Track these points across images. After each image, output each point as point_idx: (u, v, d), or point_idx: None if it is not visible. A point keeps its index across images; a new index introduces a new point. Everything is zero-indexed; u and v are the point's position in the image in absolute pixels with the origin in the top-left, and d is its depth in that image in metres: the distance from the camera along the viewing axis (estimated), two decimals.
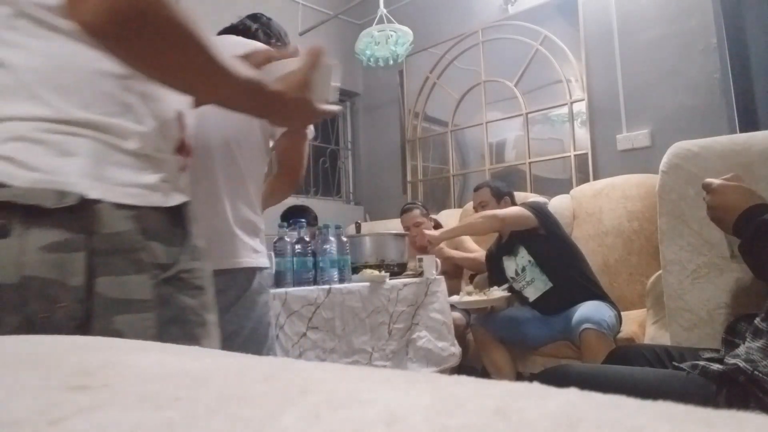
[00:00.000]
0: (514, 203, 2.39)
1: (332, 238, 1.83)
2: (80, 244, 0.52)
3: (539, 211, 2.16)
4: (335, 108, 0.76)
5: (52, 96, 0.54)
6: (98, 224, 0.53)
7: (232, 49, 0.68)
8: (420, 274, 2.07)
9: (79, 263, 0.52)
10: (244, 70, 0.62)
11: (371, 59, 3.11)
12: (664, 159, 1.39)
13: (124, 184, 0.56)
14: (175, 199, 0.62)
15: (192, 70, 0.57)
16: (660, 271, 1.47)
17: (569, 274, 2.12)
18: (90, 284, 0.53)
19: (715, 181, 1.04)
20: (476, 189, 2.49)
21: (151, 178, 0.59)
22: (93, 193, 0.53)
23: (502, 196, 2.39)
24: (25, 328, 0.51)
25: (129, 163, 0.57)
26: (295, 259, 1.77)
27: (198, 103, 0.74)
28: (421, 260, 2.10)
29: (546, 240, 2.13)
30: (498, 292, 2.21)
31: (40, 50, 0.55)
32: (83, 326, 0.52)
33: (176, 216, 0.62)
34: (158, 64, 0.55)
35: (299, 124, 0.75)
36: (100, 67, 0.56)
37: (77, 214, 0.52)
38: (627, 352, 1.21)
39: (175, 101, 0.66)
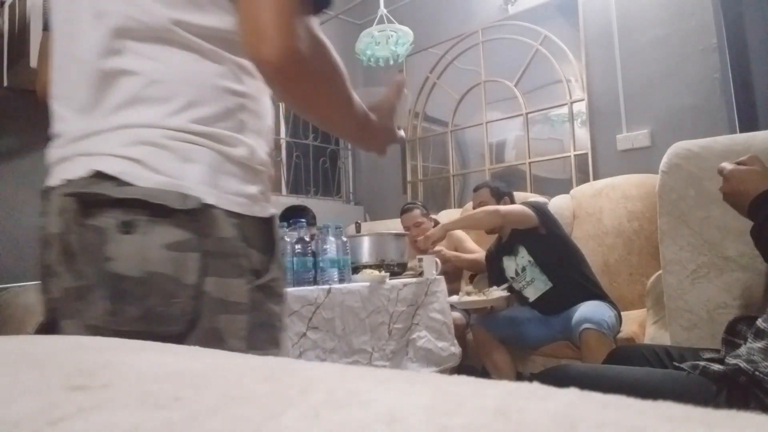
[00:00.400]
0: (513, 203, 2.39)
1: (332, 238, 1.83)
2: (195, 245, 0.57)
3: (540, 210, 2.15)
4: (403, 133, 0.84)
5: (180, 107, 0.58)
6: (211, 228, 0.58)
7: None
8: (420, 274, 2.07)
9: (194, 263, 0.57)
10: (360, 103, 0.70)
11: (371, 59, 3.11)
12: (664, 159, 1.39)
13: (233, 193, 0.61)
14: (269, 211, 0.66)
15: (339, 107, 0.65)
16: (660, 271, 1.47)
17: (569, 274, 2.11)
18: (200, 283, 0.57)
19: (728, 165, 1.02)
20: (476, 189, 2.48)
21: (253, 189, 0.63)
22: (209, 199, 0.58)
23: (502, 197, 2.38)
24: (143, 319, 0.56)
25: (238, 173, 0.62)
26: (295, 259, 1.77)
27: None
28: (421, 260, 2.10)
29: (546, 240, 2.13)
30: (497, 292, 2.20)
31: (173, 64, 0.59)
32: (193, 321, 0.57)
33: (269, 227, 0.66)
34: (319, 101, 0.63)
35: (382, 149, 0.80)
36: (224, 85, 0.61)
37: (194, 216, 0.57)
38: (627, 352, 1.21)
39: (269, 118, 0.70)
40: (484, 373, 2.25)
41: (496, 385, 0.19)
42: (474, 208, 2.43)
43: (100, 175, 0.56)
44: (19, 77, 2.32)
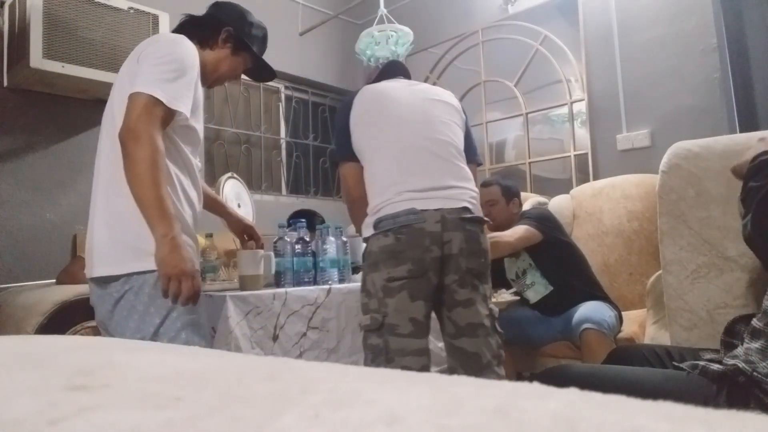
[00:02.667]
0: (521, 206, 2.36)
1: (332, 238, 1.83)
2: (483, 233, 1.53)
3: (543, 225, 2.13)
4: None
5: (473, 184, 1.53)
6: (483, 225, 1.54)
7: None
8: None
9: (486, 239, 1.52)
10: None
11: (372, 59, 3.11)
12: (664, 159, 1.39)
13: None
14: None
15: None
16: (660, 271, 1.47)
17: (570, 278, 2.11)
18: (488, 247, 1.54)
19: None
20: (484, 185, 2.36)
21: None
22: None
23: (512, 197, 2.32)
24: (483, 263, 1.48)
25: None
26: (295, 259, 1.77)
27: None
28: None
29: (547, 245, 2.12)
30: (507, 296, 2.18)
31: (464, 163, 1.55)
32: (487, 262, 1.52)
33: None
34: None
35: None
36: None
37: (483, 222, 1.53)
38: (627, 352, 1.21)
39: None
40: None
41: (496, 385, 0.19)
42: (480, 203, 2.36)
43: (464, 209, 1.42)
44: (19, 77, 2.32)
